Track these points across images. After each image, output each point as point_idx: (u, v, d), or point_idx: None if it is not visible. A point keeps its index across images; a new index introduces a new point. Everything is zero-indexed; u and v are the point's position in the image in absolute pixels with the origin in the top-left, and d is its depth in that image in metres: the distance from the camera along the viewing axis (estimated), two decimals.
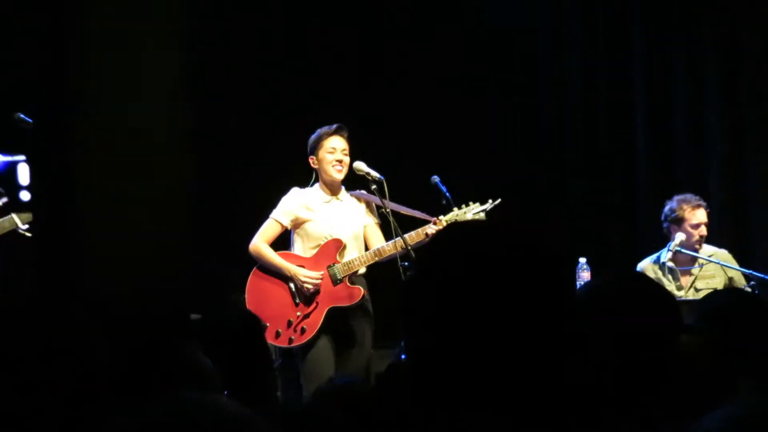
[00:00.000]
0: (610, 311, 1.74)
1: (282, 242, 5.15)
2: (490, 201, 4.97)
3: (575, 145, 6.70)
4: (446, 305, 1.31)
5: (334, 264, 5.03)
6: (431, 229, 4.73)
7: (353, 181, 5.12)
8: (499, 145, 6.53)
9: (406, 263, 4.75)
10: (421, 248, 3.41)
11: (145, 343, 1.92)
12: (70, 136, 2.56)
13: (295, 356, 4.92)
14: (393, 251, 4.78)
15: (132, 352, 1.83)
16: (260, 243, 5.02)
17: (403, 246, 4.69)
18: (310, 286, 4.96)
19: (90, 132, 2.54)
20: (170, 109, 2.59)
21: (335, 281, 5.00)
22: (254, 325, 3.07)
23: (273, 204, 4.98)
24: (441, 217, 4.85)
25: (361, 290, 4.94)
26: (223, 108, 6.22)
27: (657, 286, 1.87)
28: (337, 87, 6.28)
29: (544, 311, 1.30)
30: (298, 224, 5.10)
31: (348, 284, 4.98)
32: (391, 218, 4.80)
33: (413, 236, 4.86)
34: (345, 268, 5.01)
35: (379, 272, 5.09)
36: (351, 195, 5.16)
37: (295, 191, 5.06)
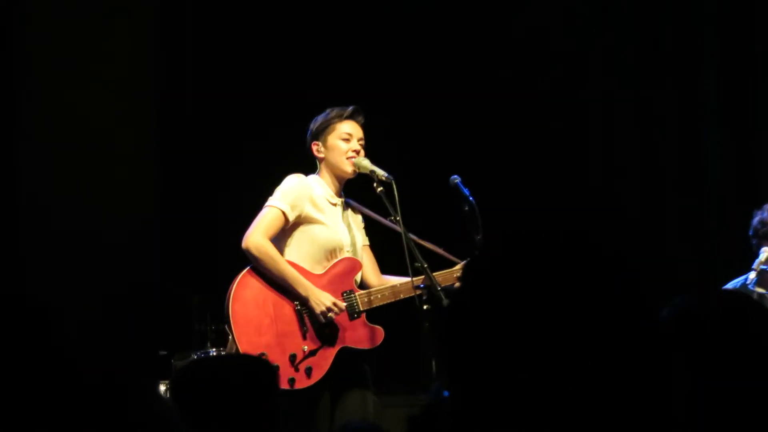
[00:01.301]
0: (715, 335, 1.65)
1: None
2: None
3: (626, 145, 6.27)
4: (507, 332, 1.25)
5: (352, 292, 4.39)
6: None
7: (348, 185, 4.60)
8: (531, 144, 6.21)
9: (422, 285, 4.20)
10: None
11: (101, 383, 1.79)
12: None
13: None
14: (413, 292, 4.27)
15: (86, 393, 1.72)
16: (265, 240, 4.22)
17: (430, 284, 4.16)
18: (332, 316, 4.29)
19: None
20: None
21: (352, 314, 4.37)
22: (268, 381, 2.68)
23: (248, 216, 4.30)
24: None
25: (382, 333, 4.36)
26: (189, 103, 6.05)
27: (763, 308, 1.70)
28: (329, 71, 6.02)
29: (628, 328, 1.26)
30: (299, 224, 4.32)
31: (366, 322, 4.37)
32: (402, 231, 4.17)
33: (441, 278, 4.35)
34: (366, 300, 4.39)
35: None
36: (346, 203, 4.58)
37: (299, 178, 4.33)
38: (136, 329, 5.15)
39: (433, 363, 4.11)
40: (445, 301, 4.05)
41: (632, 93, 6.22)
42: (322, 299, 4.30)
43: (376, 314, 4.40)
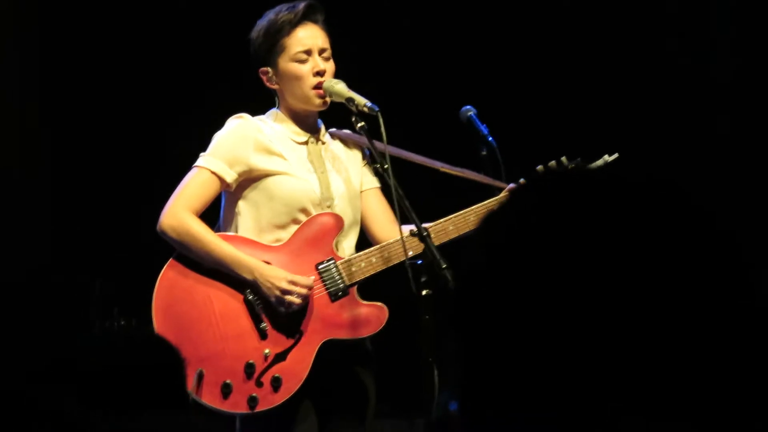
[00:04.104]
0: None
1: (209, 214, 3.92)
2: (606, 156, 3.87)
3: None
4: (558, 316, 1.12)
5: (329, 260, 3.80)
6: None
7: (326, 116, 4.02)
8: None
9: (419, 261, 3.54)
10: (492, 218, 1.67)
11: None
12: None
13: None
14: (411, 251, 3.64)
15: None
16: (185, 214, 3.71)
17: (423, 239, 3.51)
18: (295, 300, 3.69)
19: None
20: None
21: (335, 293, 3.78)
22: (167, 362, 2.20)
23: (168, 182, 3.79)
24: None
25: (385, 311, 3.77)
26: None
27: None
28: None
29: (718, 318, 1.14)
30: (249, 182, 3.77)
31: (358, 298, 3.80)
32: (393, 182, 3.56)
33: (464, 220, 3.77)
34: (352, 269, 3.78)
35: None
36: (333, 136, 3.98)
37: (237, 122, 3.79)
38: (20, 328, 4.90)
39: (435, 371, 3.48)
40: (452, 284, 3.44)
41: None
42: (273, 280, 3.70)
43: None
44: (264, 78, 3.83)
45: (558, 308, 1.14)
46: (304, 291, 3.68)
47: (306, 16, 3.82)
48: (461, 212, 3.78)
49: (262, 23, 3.82)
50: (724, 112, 5.96)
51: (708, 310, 1.14)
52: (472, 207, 3.79)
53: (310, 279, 3.77)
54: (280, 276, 3.67)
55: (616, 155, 4.07)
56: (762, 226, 5.43)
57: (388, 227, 3.84)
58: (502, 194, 3.82)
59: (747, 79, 5.75)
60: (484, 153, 3.92)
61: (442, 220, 3.75)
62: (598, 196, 1.18)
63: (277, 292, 3.67)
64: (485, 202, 3.81)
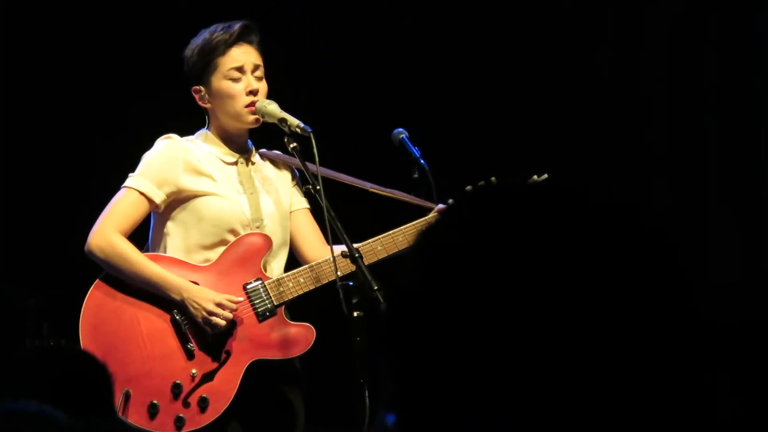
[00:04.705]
0: None
1: (137, 237, 3.91)
2: (535, 177, 3.91)
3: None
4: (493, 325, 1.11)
5: (257, 281, 3.77)
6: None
7: (257, 135, 3.99)
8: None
9: (351, 283, 3.56)
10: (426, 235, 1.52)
11: None
12: None
13: None
14: (340, 272, 3.64)
15: None
16: (113, 235, 3.68)
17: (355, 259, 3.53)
18: (221, 322, 3.67)
19: None
20: None
21: (263, 313, 3.75)
22: (94, 378, 2.31)
23: (102, 195, 3.79)
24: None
25: (312, 332, 3.78)
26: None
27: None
28: None
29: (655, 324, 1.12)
30: (178, 202, 3.74)
31: (285, 318, 3.80)
32: (324, 203, 3.58)
33: (392, 240, 3.80)
34: (280, 289, 3.76)
35: None
36: (263, 156, 3.95)
37: (165, 142, 3.77)
38: None
39: (367, 392, 3.49)
40: (384, 305, 3.46)
41: None
42: (199, 301, 3.68)
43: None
44: (196, 96, 3.80)
45: (491, 324, 1.12)
46: (229, 314, 3.65)
47: (241, 37, 3.78)
48: (390, 232, 3.78)
49: (196, 42, 3.79)
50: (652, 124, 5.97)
51: (648, 324, 1.13)
52: (401, 227, 3.80)
53: (237, 300, 3.69)
54: (206, 297, 3.65)
55: (545, 176, 4.01)
56: (697, 235, 5.40)
57: (317, 247, 3.82)
58: (431, 214, 3.80)
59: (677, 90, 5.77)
60: (416, 176, 3.91)
61: (370, 240, 3.75)
62: (530, 210, 1.17)
63: (204, 313, 3.65)
64: (414, 222, 3.81)
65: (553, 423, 1.11)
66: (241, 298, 3.71)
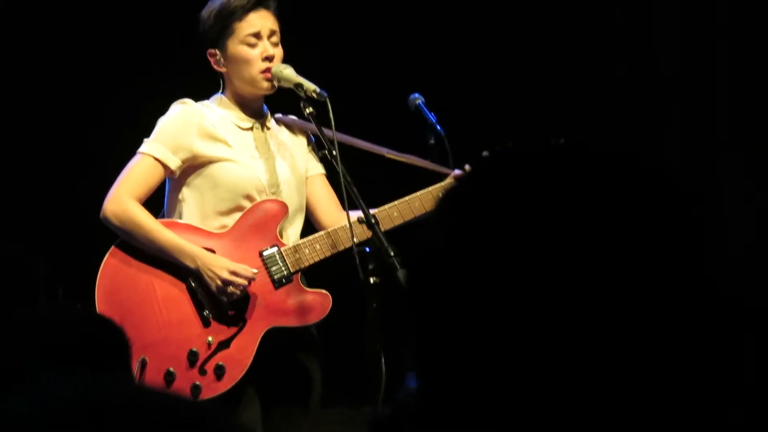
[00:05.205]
0: None
1: (153, 203, 3.84)
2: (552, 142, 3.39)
3: None
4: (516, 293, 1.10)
5: (273, 247, 3.74)
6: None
7: (272, 101, 3.93)
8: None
9: (367, 249, 3.53)
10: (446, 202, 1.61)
11: None
12: None
13: None
14: (356, 238, 3.61)
15: None
16: (128, 201, 3.66)
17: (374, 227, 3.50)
18: (236, 289, 3.65)
19: None
20: None
21: (279, 280, 3.72)
22: (112, 342, 2.17)
23: (118, 160, 3.74)
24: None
25: (329, 299, 3.76)
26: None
27: None
28: None
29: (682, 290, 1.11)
30: (193, 168, 3.71)
31: (302, 285, 3.77)
32: (341, 169, 3.53)
33: (408, 206, 3.77)
34: (296, 256, 3.74)
35: None
36: (278, 121, 3.90)
37: (180, 108, 3.72)
38: None
39: (383, 359, 3.47)
40: (402, 272, 3.41)
41: None
42: (215, 269, 3.66)
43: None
44: (212, 60, 3.77)
45: (515, 287, 1.12)
46: (244, 281, 3.63)
47: (260, 2, 3.76)
48: (406, 198, 3.77)
49: (213, 5, 3.76)
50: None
51: (670, 302, 1.11)
52: (417, 193, 3.77)
53: (253, 269, 3.67)
54: (221, 265, 3.64)
55: (561, 141, 3.90)
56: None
57: (333, 213, 3.81)
58: (447, 180, 3.78)
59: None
60: (432, 142, 3.89)
61: (386, 206, 3.73)
62: (549, 172, 1.16)
63: (219, 282, 3.64)
64: (430, 188, 3.78)
65: (576, 390, 1.10)
66: (256, 270, 3.66)
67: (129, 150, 3.83)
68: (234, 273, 3.60)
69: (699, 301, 1.13)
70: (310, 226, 3.88)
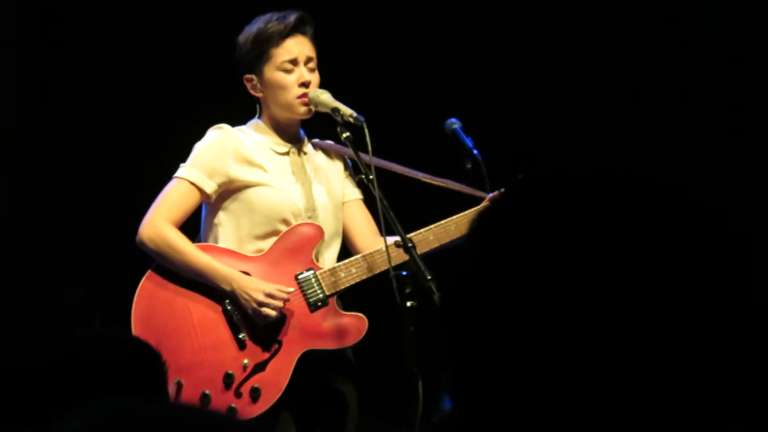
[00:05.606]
0: None
1: (190, 227, 3.87)
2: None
3: None
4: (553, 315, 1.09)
5: (309, 271, 3.75)
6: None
7: (309, 126, 3.96)
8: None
9: (404, 272, 3.52)
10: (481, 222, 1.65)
11: None
12: None
13: None
14: (393, 262, 3.62)
15: None
16: (164, 225, 3.67)
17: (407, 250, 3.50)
18: (271, 311, 3.65)
19: None
20: None
21: (314, 303, 3.73)
22: (150, 365, 2.20)
23: (154, 185, 3.77)
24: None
25: (365, 322, 3.75)
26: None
27: None
28: None
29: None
30: (229, 193, 3.73)
31: (338, 309, 3.77)
32: (378, 193, 3.54)
33: (444, 230, 3.76)
34: (332, 279, 3.75)
35: None
36: (315, 146, 3.90)
37: (217, 132, 3.74)
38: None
39: (420, 383, 3.45)
40: (438, 296, 3.44)
41: None
42: (250, 292, 3.66)
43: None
44: (248, 85, 3.78)
45: (548, 308, 1.11)
46: (280, 303, 3.63)
47: (296, 28, 3.77)
48: (442, 222, 3.76)
49: (251, 30, 3.77)
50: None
51: (707, 312, 1.11)
52: (453, 217, 3.78)
53: (288, 290, 3.67)
54: (257, 288, 3.64)
55: (597, 164, 3.91)
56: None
57: (370, 238, 3.81)
58: (483, 203, 3.74)
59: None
60: (469, 166, 3.86)
61: (422, 230, 3.72)
62: (589, 194, 1.16)
63: (254, 304, 3.63)
64: (466, 212, 3.78)
65: (615, 419, 1.09)
66: (292, 289, 3.66)
67: (166, 175, 3.80)
68: (269, 295, 3.60)
69: (742, 329, 1.12)
70: (346, 252, 3.85)
